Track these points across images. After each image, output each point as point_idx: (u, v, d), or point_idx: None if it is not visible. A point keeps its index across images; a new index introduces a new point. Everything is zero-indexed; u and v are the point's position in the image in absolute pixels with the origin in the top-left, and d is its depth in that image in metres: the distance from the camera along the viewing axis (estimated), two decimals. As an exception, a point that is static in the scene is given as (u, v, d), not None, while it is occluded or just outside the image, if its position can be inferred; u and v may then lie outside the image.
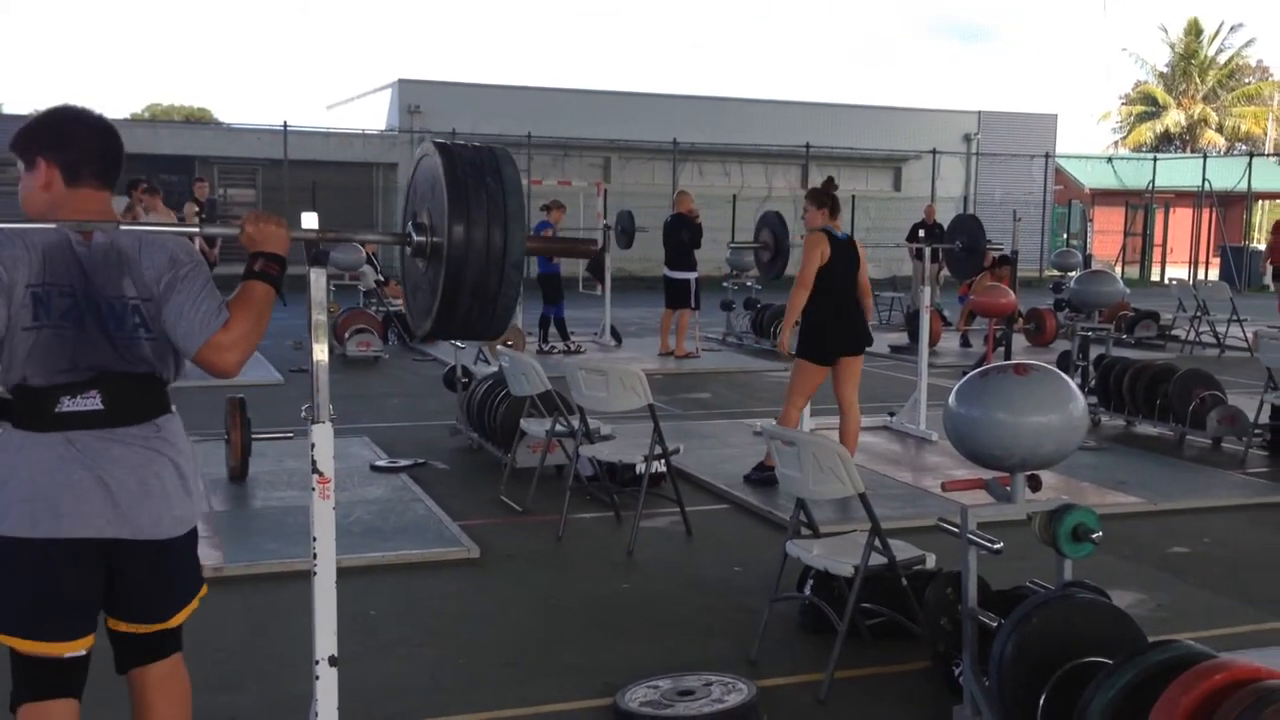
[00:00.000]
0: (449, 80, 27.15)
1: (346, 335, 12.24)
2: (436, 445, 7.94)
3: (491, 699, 3.97)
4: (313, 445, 2.78)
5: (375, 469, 7.11)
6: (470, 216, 2.56)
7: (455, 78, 32.19)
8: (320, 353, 2.76)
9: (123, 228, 2.64)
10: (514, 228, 2.61)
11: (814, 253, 6.55)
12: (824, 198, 6.76)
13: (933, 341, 11.37)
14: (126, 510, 2.61)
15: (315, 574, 2.81)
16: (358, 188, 24.33)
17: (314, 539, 2.80)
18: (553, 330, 13.33)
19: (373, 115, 26.75)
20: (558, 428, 6.34)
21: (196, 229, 3.24)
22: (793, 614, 4.67)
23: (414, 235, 2.72)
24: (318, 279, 2.73)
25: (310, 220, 2.78)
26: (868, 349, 6.88)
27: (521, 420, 6.68)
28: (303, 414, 2.77)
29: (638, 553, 5.64)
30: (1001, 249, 12.73)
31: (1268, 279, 17.79)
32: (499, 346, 8.45)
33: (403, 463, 7.23)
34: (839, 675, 4.04)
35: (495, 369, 7.91)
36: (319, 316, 2.74)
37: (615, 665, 4.20)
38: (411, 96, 25.51)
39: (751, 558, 5.52)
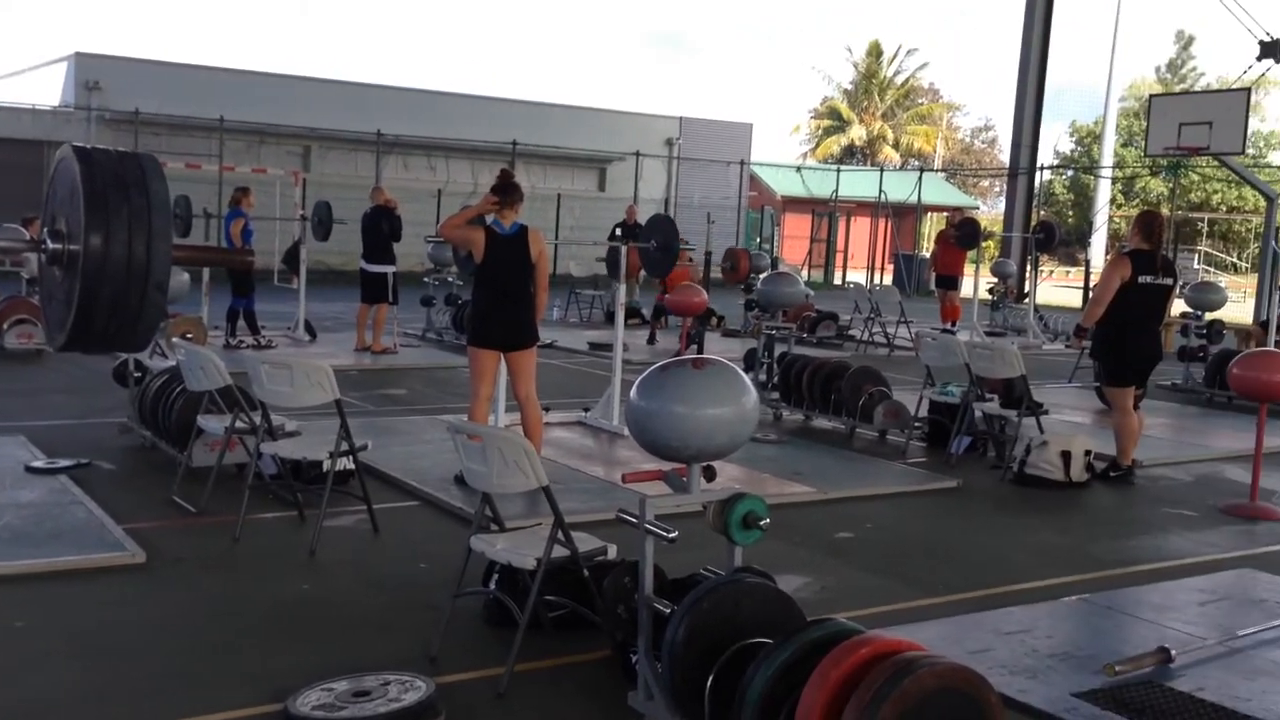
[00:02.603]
0: (133, 56, 25.49)
1: (5, 326, 11.25)
2: (104, 444, 7.43)
3: (153, 712, 3.74)
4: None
5: (31, 470, 6.57)
6: (110, 230, 2.41)
7: (140, 54, 30.30)
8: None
9: None
10: (159, 245, 2.47)
11: (462, 235, 6.68)
12: (493, 188, 6.65)
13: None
14: None
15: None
16: (27, 166, 22.39)
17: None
18: (242, 324, 12.75)
19: (46, 89, 24.75)
20: (238, 424, 6.06)
21: None
22: (478, 609, 4.65)
23: (49, 242, 2.52)
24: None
25: None
26: (546, 344, 6.88)
27: (198, 416, 6.34)
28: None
29: (321, 552, 5.47)
30: (693, 249, 13.21)
31: (933, 285, 19.27)
32: (175, 339, 8.00)
33: (63, 463, 6.71)
34: (520, 668, 4.05)
35: (172, 363, 7.47)
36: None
37: (291, 669, 4.05)
38: (90, 71, 23.75)
39: (439, 554, 5.45)
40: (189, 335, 8.24)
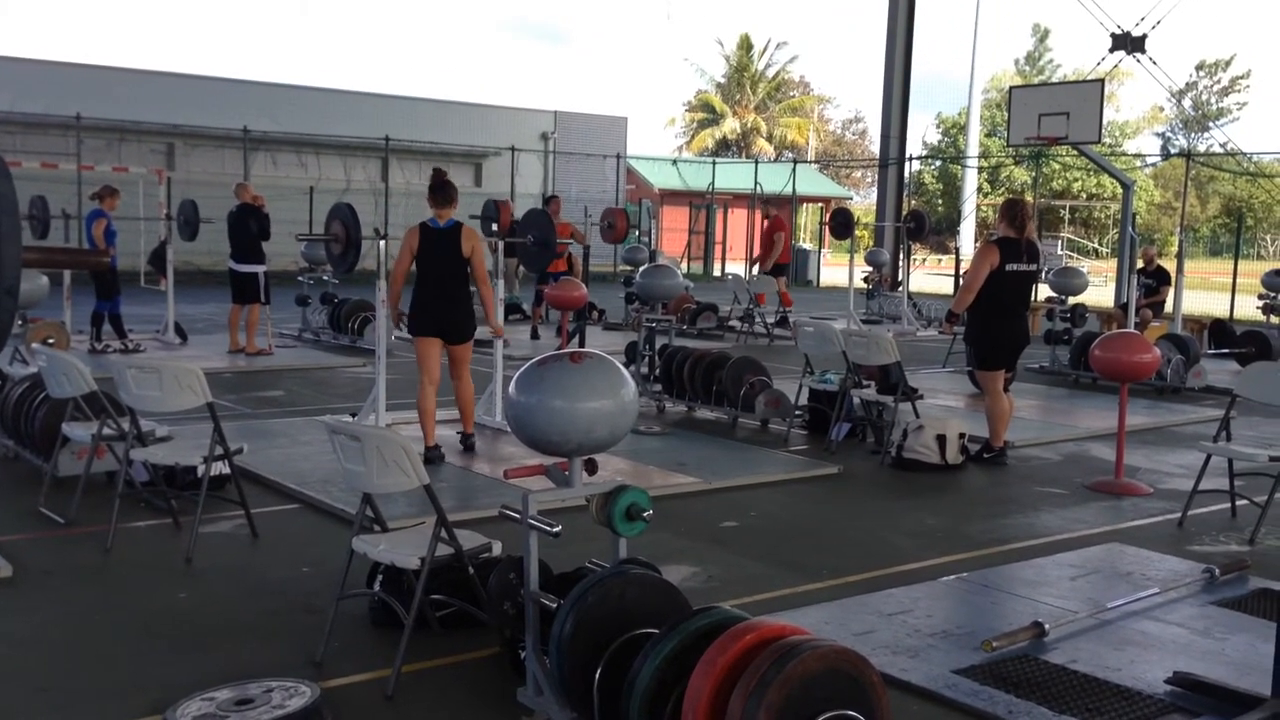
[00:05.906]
0: (-19, 52, 24.46)
1: None
2: (-37, 456, 7.12)
3: (21, 731, 3.60)
4: None
5: (-116, 485, 6.26)
6: None
7: (-9, 49, 28.99)
8: None
9: None
10: (7, 248, 2.38)
11: (402, 246, 7.26)
12: (429, 189, 7.24)
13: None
14: None
15: None
16: None
17: None
18: (107, 328, 12.32)
19: (-113, 87, 23.55)
20: (106, 431, 5.86)
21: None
22: (363, 612, 4.58)
23: None
24: None
25: None
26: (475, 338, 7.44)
27: (64, 424, 6.11)
28: None
29: (198, 560, 5.32)
30: (570, 243, 13.19)
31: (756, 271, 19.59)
32: (35, 344, 7.69)
33: (-81, 477, 6.42)
34: (408, 669, 4.01)
35: (33, 369, 7.19)
36: None
37: (170, 680, 3.94)
38: (-69, 67, 22.71)
39: (321, 557, 5.36)
40: (50, 340, 7.94)
